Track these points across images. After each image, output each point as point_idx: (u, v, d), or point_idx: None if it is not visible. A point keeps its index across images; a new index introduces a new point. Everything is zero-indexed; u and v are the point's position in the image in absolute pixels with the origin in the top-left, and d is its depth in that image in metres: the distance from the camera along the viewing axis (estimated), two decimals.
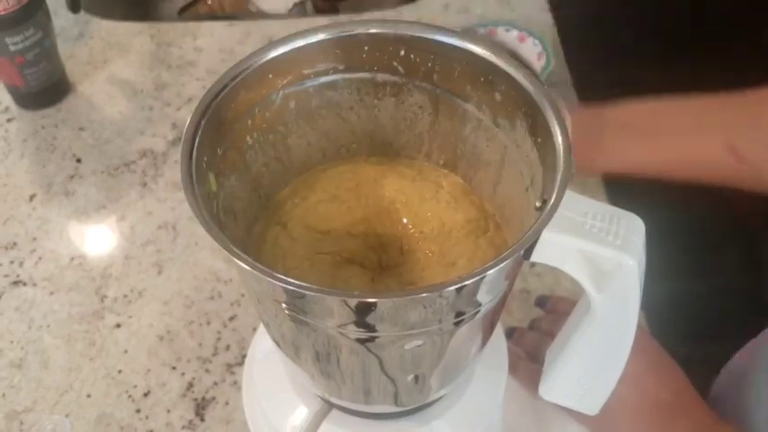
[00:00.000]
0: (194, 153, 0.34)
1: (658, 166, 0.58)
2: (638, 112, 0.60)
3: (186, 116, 0.35)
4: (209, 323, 0.63)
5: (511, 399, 0.45)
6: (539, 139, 0.36)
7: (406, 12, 0.89)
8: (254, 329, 0.60)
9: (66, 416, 0.58)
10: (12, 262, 0.67)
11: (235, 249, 0.30)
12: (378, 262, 0.40)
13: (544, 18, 0.87)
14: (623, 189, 0.74)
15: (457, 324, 0.34)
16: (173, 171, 0.74)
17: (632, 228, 0.31)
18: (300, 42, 0.38)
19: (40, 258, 0.67)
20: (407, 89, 0.41)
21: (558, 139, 0.34)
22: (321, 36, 0.39)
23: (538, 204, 0.34)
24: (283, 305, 0.32)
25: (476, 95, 0.39)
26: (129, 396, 0.59)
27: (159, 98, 0.80)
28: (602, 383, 0.39)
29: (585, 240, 0.31)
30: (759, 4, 1.57)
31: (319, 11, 1.01)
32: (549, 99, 0.35)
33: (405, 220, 0.41)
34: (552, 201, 0.31)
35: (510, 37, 0.79)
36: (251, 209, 0.41)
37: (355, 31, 0.39)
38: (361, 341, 0.33)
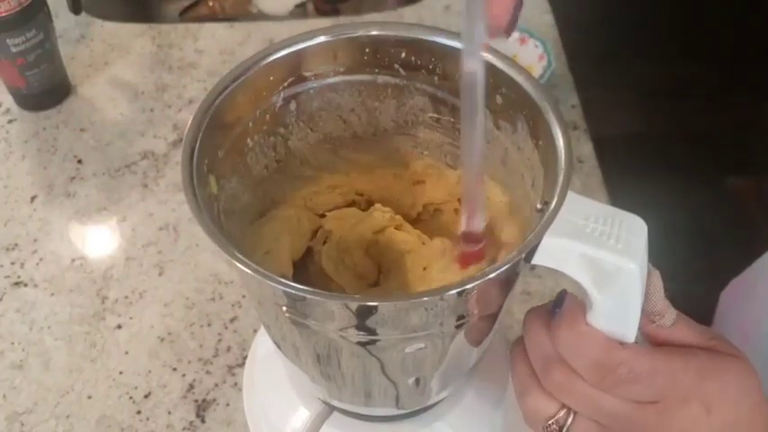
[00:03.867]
0: (195, 155, 0.34)
1: None
2: None
3: (187, 118, 0.35)
4: (209, 324, 0.63)
5: (512, 401, 0.45)
6: (540, 142, 0.36)
7: (407, 13, 0.89)
8: (255, 331, 0.60)
9: (67, 417, 0.58)
10: (13, 263, 0.67)
11: (235, 252, 0.30)
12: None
13: (545, 19, 0.87)
14: (625, 189, 0.74)
15: (458, 327, 0.34)
16: (174, 172, 0.74)
17: (634, 230, 0.31)
18: (301, 44, 0.38)
19: (41, 260, 0.67)
20: (408, 91, 0.41)
21: (560, 141, 0.34)
22: (322, 38, 0.39)
23: (539, 206, 0.34)
24: (284, 308, 0.32)
25: None
26: (130, 397, 0.59)
27: (160, 100, 0.80)
28: None
29: (587, 244, 0.31)
30: (759, 4, 1.57)
31: (320, 13, 1.01)
32: (550, 102, 0.35)
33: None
34: (553, 205, 0.31)
35: (511, 38, 0.79)
36: (252, 211, 0.41)
37: (356, 33, 0.39)
38: (363, 344, 0.33)
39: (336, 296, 0.30)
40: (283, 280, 0.29)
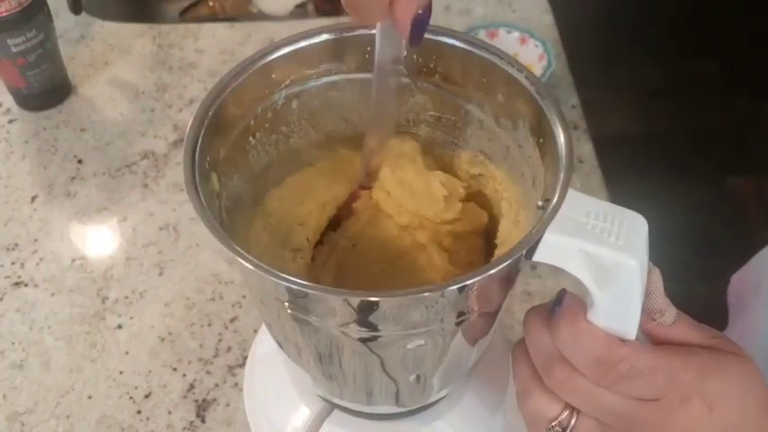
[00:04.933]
0: (197, 153, 0.34)
1: None
2: None
3: (188, 118, 0.35)
4: (210, 324, 0.63)
5: (513, 401, 0.45)
6: (541, 140, 0.36)
7: None
8: (256, 331, 0.60)
9: (68, 417, 0.58)
10: (13, 263, 0.67)
11: (238, 249, 0.30)
12: None
13: (545, 19, 0.88)
14: (625, 189, 0.75)
15: (459, 324, 0.34)
16: (174, 172, 0.74)
17: (634, 227, 0.31)
18: (303, 43, 0.38)
19: (41, 259, 0.67)
20: (409, 90, 0.41)
21: (560, 139, 0.34)
22: (323, 37, 0.39)
23: (540, 203, 0.34)
24: (286, 304, 0.32)
25: (478, 96, 0.39)
26: (131, 397, 0.59)
27: (161, 100, 0.80)
28: None
29: (587, 241, 0.31)
30: (759, 4, 1.57)
31: (320, 12, 1.01)
32: (551, 100, 0.35)
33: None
34: (554, 202, 0.31)
35: (511, 38, 0.79)
36: (252, 207, 0.41)
37: (357, 32, 0.39)
38: (364, 341, 0.33)
39: (338, 291, 0.30)
40: (285, 275, 0.29)
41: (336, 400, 0.42)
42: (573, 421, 0.33)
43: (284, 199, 0.41)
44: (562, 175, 0.32)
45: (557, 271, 0.32)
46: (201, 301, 0.64)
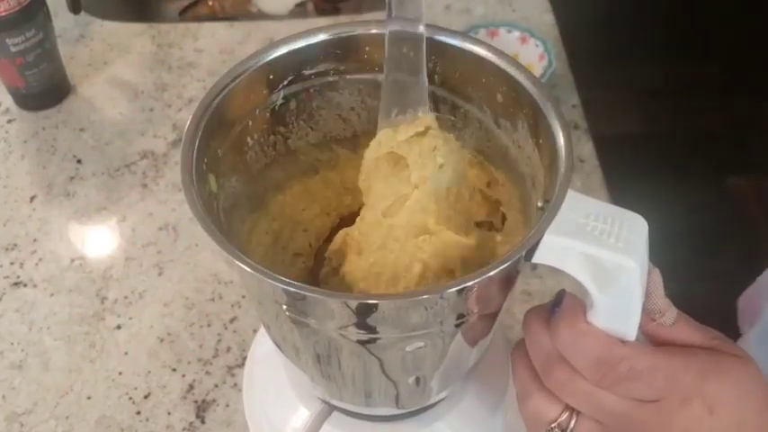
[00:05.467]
0: (194, 154, 0.34)
1: None
2: None
3: (187, 117, 0.35)
4: (209, 325, 0.63)
5: (513, 402, 0.45)
6: (540, 140, 0.36)
7: None
8: (255, 331, 0.60)
9: (67, 418, 0.58)
10: (12, 263, 0.67)
11: (235, 251, 0.30)
12: None
13: (546, 19, 0.87)
14: (625, 189, 0.74)
15: (458, 326, 0.34)
16: (173, 172, 0.74)
17: (635, 228, 0.31)
18: (301, 43, 0.38)
19: (40, 260, 0.67)
20: None
21: (560, 140, 0.34)
22: (322, 37, 0.39)
23: (540, 204, 0.34)
24: (284, 307, 0.32)
25: (477, 96, 0.39)
26: (130, 398, 0.59)
27: (160, 99, 0.80)
28: None
29: (587, 243, 0.30)
30: (759, 4, 1.57)
31: (320, 12, 1.01)
32: (550, 101, 0.35)
33: None
34: (553, 203, 0.31)
35: (512, 38, 0.79)
36: (251, 209, 0.41)
37: (356, 32, 0.39)
38: (362, 343, 0.33)
39: (336, 294, 0.30)
40: (283, 278, 0.29)
41: (335, 402, 0.42)
42: (573, 422, 0.33)
43: (289, 204, 0.41)
44: (561, 177, 0.32)
45: (556, 271, 0.32)
46: (201, 302, 0.64)
